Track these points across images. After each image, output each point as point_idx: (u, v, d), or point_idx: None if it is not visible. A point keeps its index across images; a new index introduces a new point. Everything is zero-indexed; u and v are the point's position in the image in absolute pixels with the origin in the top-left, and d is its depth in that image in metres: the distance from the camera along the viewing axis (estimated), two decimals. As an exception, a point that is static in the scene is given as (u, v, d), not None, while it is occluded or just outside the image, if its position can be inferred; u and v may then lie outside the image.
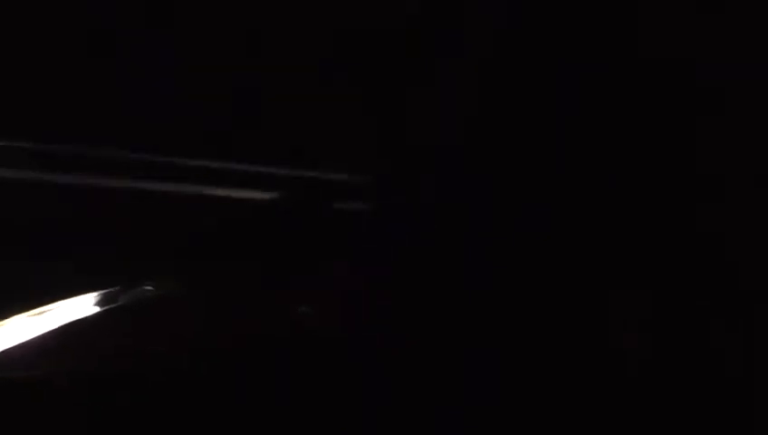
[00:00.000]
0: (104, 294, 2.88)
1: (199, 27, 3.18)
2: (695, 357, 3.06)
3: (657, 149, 3.14)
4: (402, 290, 3.12)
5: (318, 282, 3.02)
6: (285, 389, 2.79)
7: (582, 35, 3.16)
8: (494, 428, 3.01)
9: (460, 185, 3.16)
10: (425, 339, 3.09)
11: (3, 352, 2.66)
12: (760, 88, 3.12)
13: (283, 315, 2.96)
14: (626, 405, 3.03)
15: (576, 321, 3.09)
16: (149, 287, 2.93)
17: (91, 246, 2.98)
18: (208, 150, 3.17)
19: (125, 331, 2.83)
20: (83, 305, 2.85)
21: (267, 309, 2.95)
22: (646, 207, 3.13)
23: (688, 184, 3.13)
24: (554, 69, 3.16)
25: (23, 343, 2.69)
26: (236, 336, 2.84)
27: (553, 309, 3.09)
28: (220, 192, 3.17)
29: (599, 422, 3.02)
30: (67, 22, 3.15)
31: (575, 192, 3.14)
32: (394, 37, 3.19)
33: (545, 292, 3.10)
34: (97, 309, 2.86)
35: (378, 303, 3.10)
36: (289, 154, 3.18)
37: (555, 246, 3.12)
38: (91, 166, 3.11)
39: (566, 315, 3.09)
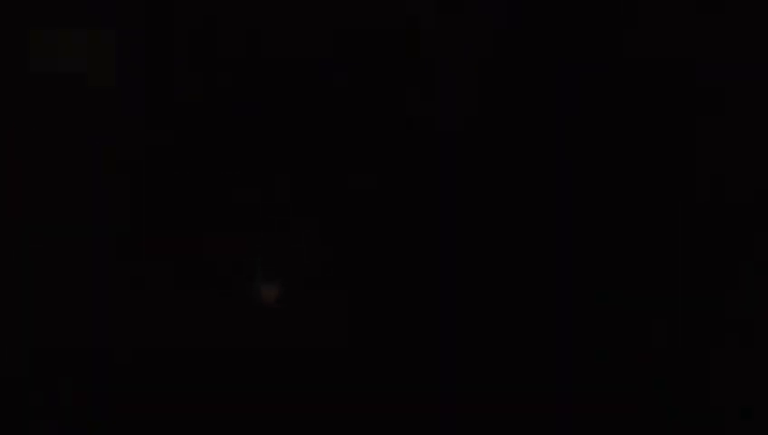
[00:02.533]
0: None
1: (199, 27, 3.18)
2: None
3: (657, 149, 3.14)
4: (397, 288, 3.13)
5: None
6: None
7: (582, 35, 3.16)
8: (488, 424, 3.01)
9: (459, 183, 3.16)
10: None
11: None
12: (760, 88, 3.12)
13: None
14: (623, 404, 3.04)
15: (573, 319, 3.09)
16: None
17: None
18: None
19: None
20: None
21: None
22: (645, 207, 3.13)
23: (688, 184, 3.13)
24: (554, 69, 3.16)
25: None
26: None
27: (552, 306, 3.10)
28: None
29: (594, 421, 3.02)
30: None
31: (575, 192, 3.13)
32: (394, 37, 3.19)
33: (543, 289, 3.10)
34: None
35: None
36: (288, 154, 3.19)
37: (554, 245, 3.12)
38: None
39: (565, 313, 3.09)
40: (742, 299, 3.06)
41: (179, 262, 3.12)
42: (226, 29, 3.18)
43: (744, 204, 3.10)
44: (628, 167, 3.14)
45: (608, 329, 3.08)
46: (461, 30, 3.19)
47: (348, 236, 3.15)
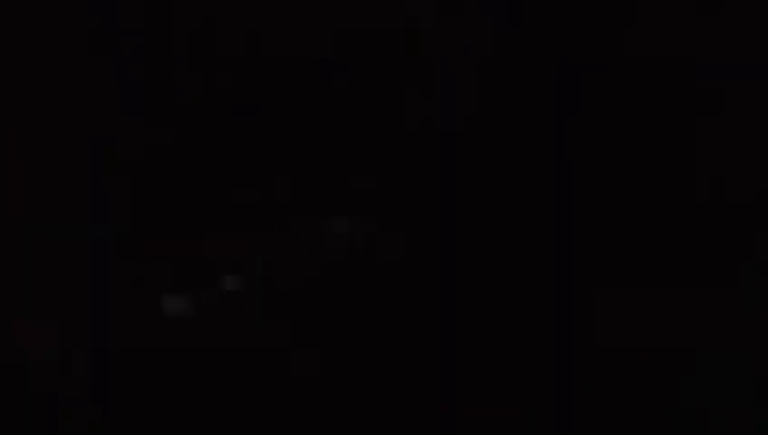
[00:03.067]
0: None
1: (199, 27, 3.18)
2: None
3: (657, 149, 3.14)
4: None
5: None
6: None
7: (582, 35, 3.16)
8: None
9: (459, 184, 3.16)
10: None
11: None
12: (760, 88, 3.12)
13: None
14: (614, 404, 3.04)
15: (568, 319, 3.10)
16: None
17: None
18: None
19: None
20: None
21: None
22: (645, 207, 3.13)
23: (688, 184, 3.13)
24: (554, 69, 3.16)
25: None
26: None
27: (547, 305, 3.10)
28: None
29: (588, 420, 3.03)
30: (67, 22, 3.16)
31: (574, 192, 3.13)
32: (394, 37, 3.19)
33: (543, 289, 3.10)
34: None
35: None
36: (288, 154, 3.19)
37: (555, 244, 3.12)
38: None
39: (559, 312, 3.10)
40: (742, 299, 3.06)
41: (179, 262, 3.12)
42: (226, 29, 3.18)
43: (744, 204, 3.10)
44: (628, 166, 3.14)
45: (607, 329, 3.08)
46: (461, 30, 3.19)
47: (347, 236, 3.15)
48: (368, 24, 3.19)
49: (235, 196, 3.16)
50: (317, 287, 3.13)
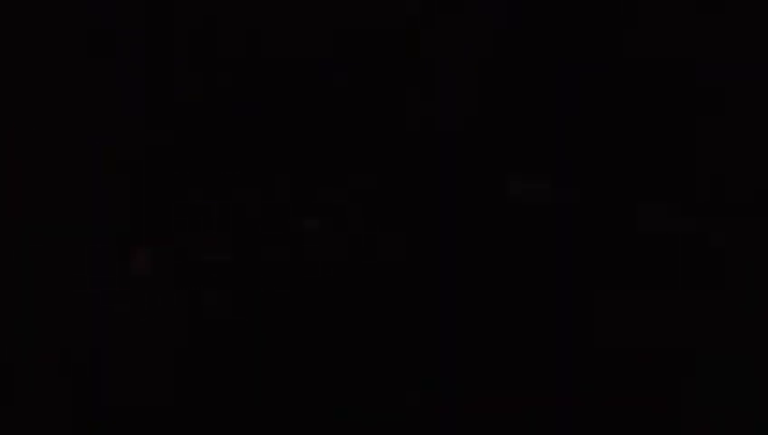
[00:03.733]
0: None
1: (199, 27, 3.18)
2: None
3: (657, 149, 3.14)
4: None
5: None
6: None
7: (582, 35, 3.16)
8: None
9: (459, 184, 3.16)
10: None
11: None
12: (760, 88, 3.12)
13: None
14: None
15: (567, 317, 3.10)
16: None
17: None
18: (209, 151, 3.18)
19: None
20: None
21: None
22: (645, 207, 3.13)
23: (688, 184, 3.13)
24: (554, 69, 3.16)
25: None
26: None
27: (546, 304, 3.10)
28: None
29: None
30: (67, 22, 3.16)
31: (575, 192, 3.13)
32: (394, 37, 3.19)
33: (542, 289, 3.10)
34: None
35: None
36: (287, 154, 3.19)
37: (554, 244, 3.12)
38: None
39: (557, 310, 3.10)
40: (742, 299, 3.06)
41: (179, 262, 3.12)
42: (226, 29, 3.18)
43: (744, 204, 3.10)
44: (628, 166, 3.14)
45: (607, 329, 3.08)
46: (461, 30, 3.20)
47: (347, 236, 3.15)
48: (368, 24, 3.19)
49: (234, 196, 3.17)
50: (317, 287, 3.13)
